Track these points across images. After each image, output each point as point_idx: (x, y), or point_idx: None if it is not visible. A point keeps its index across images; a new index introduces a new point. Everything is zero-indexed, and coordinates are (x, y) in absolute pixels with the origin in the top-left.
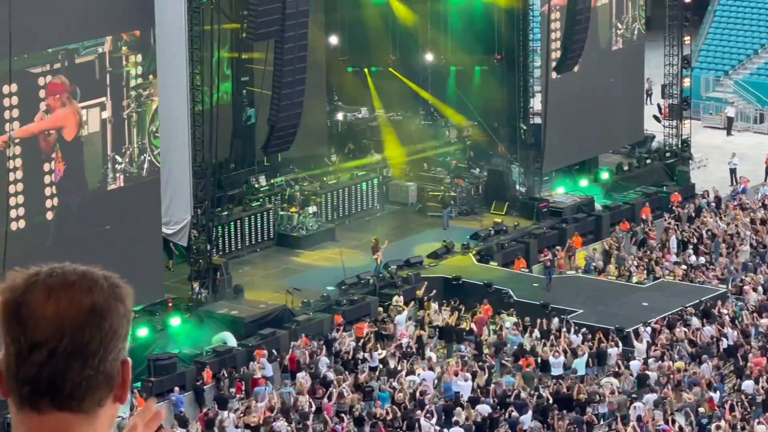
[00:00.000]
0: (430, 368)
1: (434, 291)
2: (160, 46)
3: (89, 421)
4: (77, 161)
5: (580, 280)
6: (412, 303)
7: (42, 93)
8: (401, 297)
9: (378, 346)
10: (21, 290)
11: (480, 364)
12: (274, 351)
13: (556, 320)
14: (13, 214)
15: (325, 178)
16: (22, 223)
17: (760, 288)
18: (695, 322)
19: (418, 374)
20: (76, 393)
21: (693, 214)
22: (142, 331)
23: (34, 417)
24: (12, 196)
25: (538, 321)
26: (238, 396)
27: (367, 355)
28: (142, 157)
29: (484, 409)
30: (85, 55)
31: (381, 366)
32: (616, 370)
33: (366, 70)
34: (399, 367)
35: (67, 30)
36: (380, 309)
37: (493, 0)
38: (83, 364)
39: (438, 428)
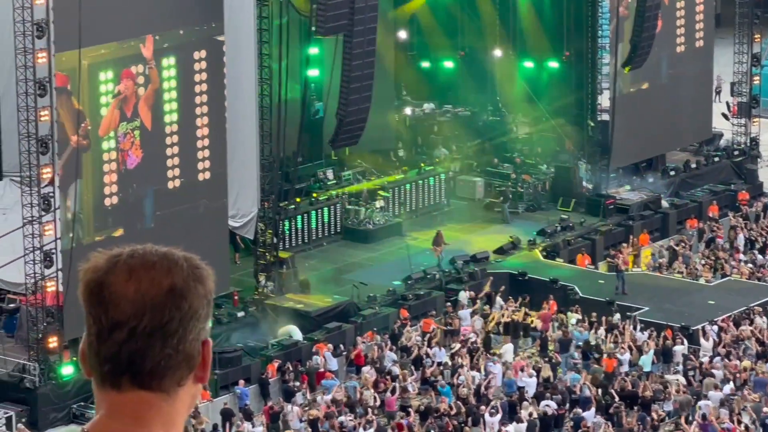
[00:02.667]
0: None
1: (502, 287)
2: (228, 40)
3: (169, 401)
4: (156, 150)
5: (646, 277)
6: (479, 298)
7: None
8: (469, 292)
9: (446, 341)
10: (103, 271)
11: (545, 360)
12: (341, 346)
13: (617, 316)
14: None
15: (392, 173)
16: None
17: None
18: (762, 321)
19: (485, 370)
20: (155, 372)
21: (761, 213)
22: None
23: (115, 395)
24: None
25: (604, 318)
26: (302, 390)
27: (434, 351)
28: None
29: (548, 405)
30: (158, 48)
31: (447, 361)
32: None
33: (434, 65)
34: (463, 363)
35: (136, 23)
36: (448, 304)
37: None
38: (163, 343)
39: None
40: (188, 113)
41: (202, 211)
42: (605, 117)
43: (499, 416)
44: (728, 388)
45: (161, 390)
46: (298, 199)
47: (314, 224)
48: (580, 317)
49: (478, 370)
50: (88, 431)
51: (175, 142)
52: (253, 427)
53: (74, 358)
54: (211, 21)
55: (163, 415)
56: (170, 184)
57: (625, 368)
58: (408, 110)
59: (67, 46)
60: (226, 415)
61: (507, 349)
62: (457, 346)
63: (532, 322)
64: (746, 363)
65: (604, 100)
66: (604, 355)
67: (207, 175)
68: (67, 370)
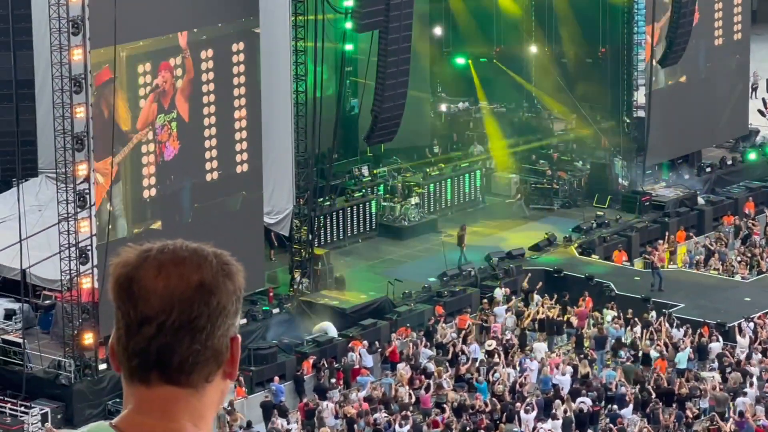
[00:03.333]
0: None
1: (540, 284)
2: (263, 36)
3: (197, 396)
4: (193, 142)
5: (682, 274)
6: (516, 294)
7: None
8: (504, 289)
9: (481, 338)
10: (133, 266)
11: (581, 357)
12: (376, 342)
13: (653, 313)
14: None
15: (427, 169)
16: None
17: None
18: None
19: (520, 366)
20: (184, 367)
21: None
22: (241, 321)
23: (143, 390)
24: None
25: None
26: (338, 387)
27: (470, 348)
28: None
29: (584, 402)
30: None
31: (483, 358)
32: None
33: (470, 61)
34: (499, 359)
35: (173, 19)
36: (485, 301)
37: None
38: (191, 338)
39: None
40: (226, 105)
41: (238, 207)
42: (641, 114)
43: (534, 413)
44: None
45: (189, 385)
46: (333, 196)
47: (349, 221)
48: (615, 314)
49: (514, 367)
50: (117, 426)
51: (213, 134)
52: (288, 423)
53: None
54: (249, 15)
55: (192, 410)
56: (207, 177)
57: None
58: (443, 107)
59: (103, 42)
60: (266, 408)
61: (539, 346)
62: (493, 343)
63: (569, 319)
64: None
65: (640, 96)
66: (655, 357)
67: (244, 167)
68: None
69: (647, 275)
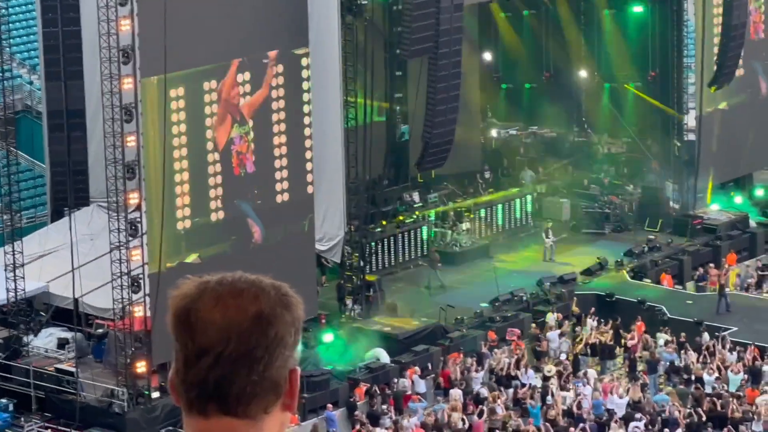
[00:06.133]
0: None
1: (592, 309)
2: (314, 62)
3: (255, 427)
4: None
5: (736, 297)
6: (567, 319)
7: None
8: (556, 314)
9: (535, 362)
10: (191, 298)
11: (634, 381)
12: (428, 365)
13: (706, 335)
14: (180, 213)
15: (478, 195)
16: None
17: None
18: None
19: (574, 391)
20: (241, 398)
21: None
22: None
23: (202, 421)
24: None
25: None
26: (390, 413)
27: (522, 372)
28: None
29: (637, 427)
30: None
31: (536, 382)
32: None
33: (519, 87)
34: (553, 384)
35: (222, 48)
36: (533, 325)
37: (647, 17)
38: (249, 369)
39: None
40: (264, 128)
41: (286, 233)
42: (691, 137)
43: None
44: None
45: (248, 416)
46: (384, 222)
47: (400, 247)
48: (668, 338)
49: (568, 392)
50: None
51: (255, 160)
52: None
53: (162, 383)
54: (299, 44)
55: None
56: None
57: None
58: (493, 132)
59: (153, 71)
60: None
61: (592, 372)
62: (553, 369)
63: (624, 343)
64: None
65: (690, 119)
66: (709, 381)
67: (285, 197)
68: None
69: (699, 299)
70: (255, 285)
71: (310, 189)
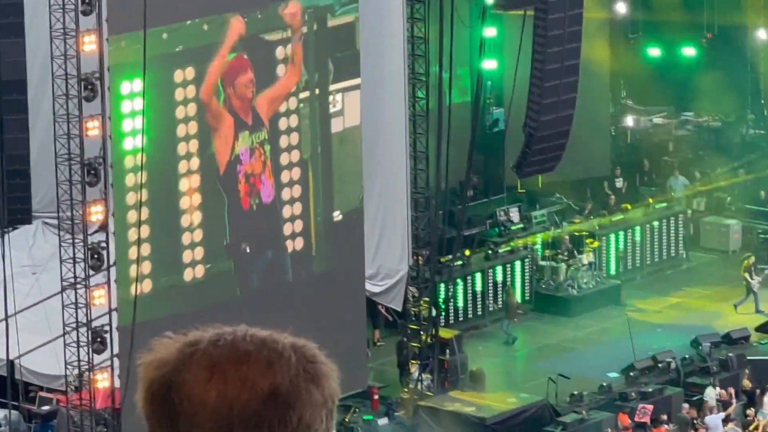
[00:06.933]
0: None
1: None
2: (365, 19)
3: None
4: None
5: None
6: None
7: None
8: (719, 389)
9: None
10: (173, 366)
11: None
12: None
13: None
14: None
15: (606, 213)
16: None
17: None
18: None
19: None
20: None
21: None
22: None
23: None
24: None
25: None
26: None
27: None
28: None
29: None
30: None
31: None
32: None
33: (669, 53)
34: None
35: None
36: (686, 405)
37: None
38: None
39: None
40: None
41: (322, 270)
42: None
43: None
44: None
45: None
46: (467, 252)
47: (491, 289)
48: None
49: None
50: None
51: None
52: None
53: None
54: None
55: None
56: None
57: None
58: (629, 120)
59: (126, 26)
60: None
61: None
62: None
63: None
64: None
65: None
66: None
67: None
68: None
69: None
70: (267, 346)
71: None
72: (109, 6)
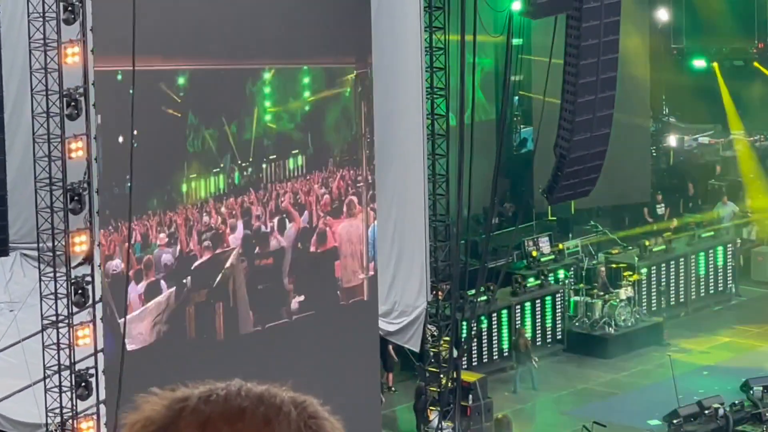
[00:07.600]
0: None
1: None
2: (379, 25)
3: None
4: None
5: None
6: None
7: None
8: None
9: None
10: (159, 425)
11: None
12: None
13: None
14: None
15: (647, 243)
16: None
17: None
18: None
19: None
20: None
21: None
22: None
23: None
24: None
25: None
26: None
27: None
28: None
29: None
30: None
31: None
32: None
33: (715, 64)
34: None
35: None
36: None
37: None
38: None
39: None
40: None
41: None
42: None
43: None
44: None
45: None
46: (492, 286)
47: (519, 328)
48: None
49: None
50: None
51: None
52: None
53: None
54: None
55: None
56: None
57: None
58: (672, 140)
59: (113, 48)
60: None
61: None
62: None
63: None
64: None
65: None
66: None
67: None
68: None
69: None
70: (264, 402)
71: (356, 224)
72: (95, 15)
